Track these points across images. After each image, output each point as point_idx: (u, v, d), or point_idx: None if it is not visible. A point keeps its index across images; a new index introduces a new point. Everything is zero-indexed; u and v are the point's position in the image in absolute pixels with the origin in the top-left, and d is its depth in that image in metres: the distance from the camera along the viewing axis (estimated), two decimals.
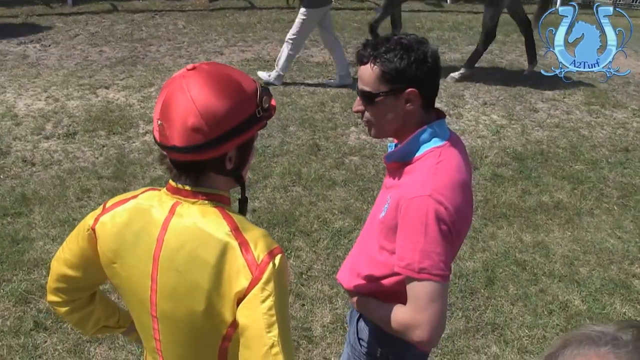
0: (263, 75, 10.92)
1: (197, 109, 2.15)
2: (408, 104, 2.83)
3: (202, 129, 2.15)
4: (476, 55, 11.74)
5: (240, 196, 2.51)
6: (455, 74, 11.54)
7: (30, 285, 5.82)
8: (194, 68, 2.24)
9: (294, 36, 10.54)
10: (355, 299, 3.22)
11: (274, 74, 10.81)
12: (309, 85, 10.93)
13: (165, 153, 2.30)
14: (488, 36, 11.52)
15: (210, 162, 2.26)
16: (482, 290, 6.07)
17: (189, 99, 2.16)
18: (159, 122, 2.20)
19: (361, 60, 2.87)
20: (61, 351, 5.16)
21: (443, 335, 5.40)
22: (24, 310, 5.57)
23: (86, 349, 5.20)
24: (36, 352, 5.15)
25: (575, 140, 9.31)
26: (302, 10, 10.39)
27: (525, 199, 7.72)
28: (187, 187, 2.31)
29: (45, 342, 5.25)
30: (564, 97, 10.93)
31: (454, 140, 2.96)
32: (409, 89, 2.78)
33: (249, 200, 2.58)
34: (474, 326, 5.63)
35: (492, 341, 5.48)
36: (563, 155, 8.82)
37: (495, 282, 6.20)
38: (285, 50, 10.73)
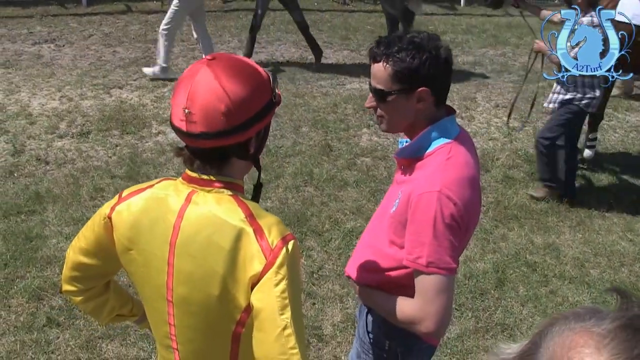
0: (148, 71, 10.93)
1: (228, 95, 2.24)
2: (420, 103, 2.86)
3: (233, 114, 2.25)
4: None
5: (255, 182, 2.61)
6: None
7: (43, 282, 5.86)
8: (214, 58, 2.32)
9: (167, 26, 10.58)
10: (358, 289, 3.28)
11: (157, 68, 10.85)
12: (322, 86, 10.95)
13: (187, 143, 2.35)
14: (406, 18, 11.64)
15: (236, 147, 2.34)
16: (492, 291, 6.09)
17: (219, 86, 2.24)
18: (186, 110, 2.25)
19: (374, 58, 2.90)
20: (73, 347, 5.20)
21: (452, 335, 5.44)
22: (37, 306, 5.61)
23: (98, 345, 5.24)
24: (49, 347, 5.19)
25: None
26: (175, 1, 10.48)
27: (536, 201, 7.71)
28: (204, 176, 2.38)
29: (58, 338, 5.29)
30: None
31: (463, 137, 3.00)
32: (421, 88, 2.81)
33: (260, 202, 2.64)
34: (483, 326, 5.65)
35: (502, 341, 5.48)
36: None
37: (505, 283, 6.21)
38: (161, 42, 10.78)
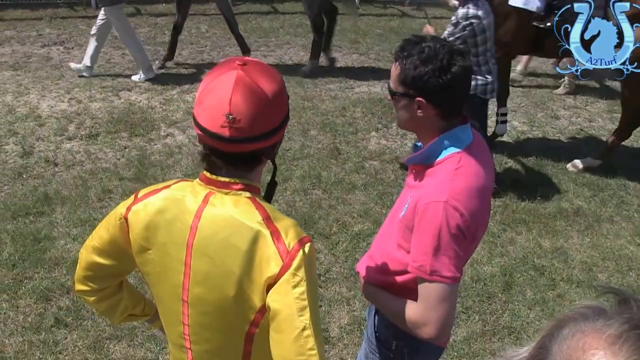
0: (136, 78, 11.03)
1: (269, 97, 2.30)
2: (419, 111, 2.91)
3: (274, 115, 2.33)
4: (316, 46, 11.90)
5: (269, 181, 2.66)
6: (305, 69, 11.83)
7: (51, 283, 5.88)
8: (244, 63, 2.35)
9: (122, 38, 10.77)
10: (362, 284, 3.34)
11: (141, 73, 11.01)
12: (330, 90, 10.94)
13: (222, 148, 2.34)
14: (317, 24, 11.66)
15: (269, 148, 2.42)
16: (500, 295, 6.08)
17: (261, 90, 2.29)
18: (230, 116, 2.25)
19: (394, 57, 2.97)
20: (81, 347, 5.21)
21: (459, 338, 5.44)
22: (45, 307, 5.63)
23: (105, 345, 5.25)
24: (56, 348, 5.21)
25: (597, 147, 9.27)
26: (104, 11, 10.56)
27: (545, 205, 7.70)
28: (222, 178, 2.40)
29: (66, 338, 5.31)
30: (586, 105, 10.90)
31: (475, 145, 3.01)
32: (418, 98, 2.86)
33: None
34: (490, 329, 5.64)
35: (509, 345, 5.48)
36: None
37: (512, 286, 6.21)
38: (129, 50, 11.02)
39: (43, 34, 13.42)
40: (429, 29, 7.55)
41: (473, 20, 7.01)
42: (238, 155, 2.35)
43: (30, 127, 8.98)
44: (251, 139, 2.29)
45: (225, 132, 2.28)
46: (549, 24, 7.99)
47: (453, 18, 7.19)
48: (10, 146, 8.46)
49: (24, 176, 7.76)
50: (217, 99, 2.29)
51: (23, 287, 5.83)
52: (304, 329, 2.22)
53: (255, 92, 2.28)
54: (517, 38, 8.28)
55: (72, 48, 12.62)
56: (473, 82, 7.34)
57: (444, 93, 2.84)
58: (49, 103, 9.84)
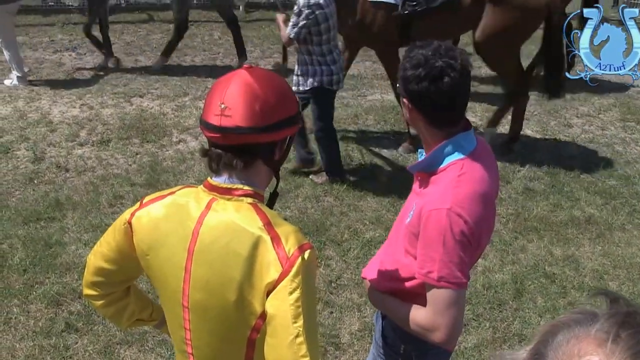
0: (8, 82, 10.84)
1: (262, 94, 2.36)
2: (407, 112, 2.96)
3: (266, 112, 2.35)
4: (170, 46, 12.08)
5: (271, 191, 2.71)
6: (155, 66, 12.00)
7: (62, 288, 5.89)
8: (250, 67, 2.45)
9: (3, 41, 10.51)
10: (368, 289, 3.36)
11: (14, 79, 10.82)
12: (343, 97, 10.91)
13: (217, 141, 2.40)
14: (179, 27, 11.88)
15: (264, 147, 2.42)
16: (511, 302, 6.06)
17: (256, 86, 2.36)
18: (222, 105, 2.34)
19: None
20: (91, 352, 5.22)
21: (470, 345, 5.44)
22: (56, 312, 5.64)
23: (116, 350, 5.26)
24: (67, 352, 5.22)
25: (609, 156, 9.26)
26: None
27: (557, 213, 7.68)
28: (225, 185, 2.43)
29: (76, 343, 5.32)
30: (599, 113, 10.87)
31: (479, 152, 3.01)
32: (405, 99, 2.92)
33: (280, 211, 2.69)
34: (501, 337, 5.63)
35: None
36: (596, 170, 8.75)
37: (523, 294, 6.19)
38: (6, 55, 10.73)
39: (55, 40, 13.48)
40: (278, 19, 7.79)
41: (314, 8, 7.23)
42: (230, 149, 2.39)
43: (41, 133, 9.01)
44: (240, 129, 2.33)
45: (217, 121, 2.35)
46: (405, 12, 8.29)
47: (295, 7, 7.36)
48: (21, 151, 8.50)
49: (35, 182, 7.79)
50: (217, 92, 2.39)
51: (34, 292, 5.85)
52: (297, 335, 2.24)
53: (250, 87, 2.35)
54: (386, 31, 8.48)
55: (85, 54, 12.65)
56: (318, 76, 7.60)
57: (424, 100, 2.85)
58: (60, 109, 9.88)
